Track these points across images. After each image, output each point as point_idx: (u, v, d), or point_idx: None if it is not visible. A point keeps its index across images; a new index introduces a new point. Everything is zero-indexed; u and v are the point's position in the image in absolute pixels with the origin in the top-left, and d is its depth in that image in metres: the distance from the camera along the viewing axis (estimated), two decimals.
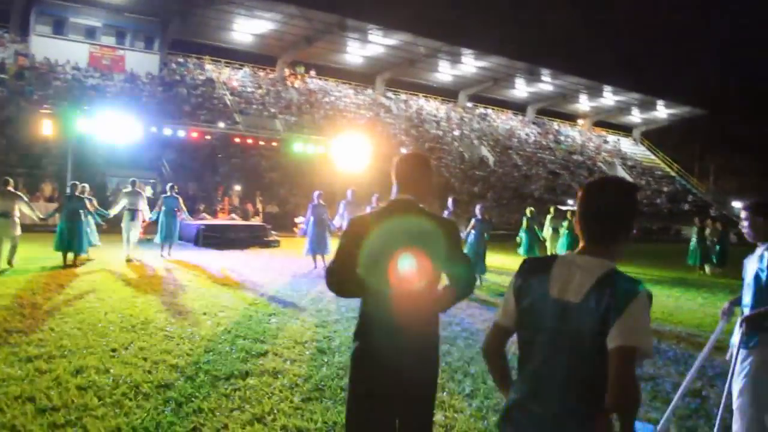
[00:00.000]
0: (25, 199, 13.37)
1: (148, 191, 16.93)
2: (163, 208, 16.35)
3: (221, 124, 33.84)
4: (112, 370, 5.89)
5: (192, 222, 20.69)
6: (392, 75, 50.52)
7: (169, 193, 16.73)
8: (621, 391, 1.97)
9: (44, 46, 37.15)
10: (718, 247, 20.43)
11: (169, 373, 5.90)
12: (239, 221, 23.63)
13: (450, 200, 13.91)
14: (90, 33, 39.21)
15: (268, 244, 20.77)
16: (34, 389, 5.28)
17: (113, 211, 15.72)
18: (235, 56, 45.55)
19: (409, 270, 2.92)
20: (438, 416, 5.04)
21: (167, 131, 25.63)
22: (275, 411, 5.05)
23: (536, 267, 2.31)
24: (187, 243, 19.80)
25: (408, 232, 2.98)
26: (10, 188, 12.73)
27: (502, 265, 17.70)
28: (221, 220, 23.34)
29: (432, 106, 53.35)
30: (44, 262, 13.51)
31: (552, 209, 20.30)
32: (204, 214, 23.85)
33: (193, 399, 5.24)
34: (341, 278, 3.07)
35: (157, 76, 40.22)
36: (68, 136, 21.62)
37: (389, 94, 51.57)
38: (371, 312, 3.03)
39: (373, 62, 48.07)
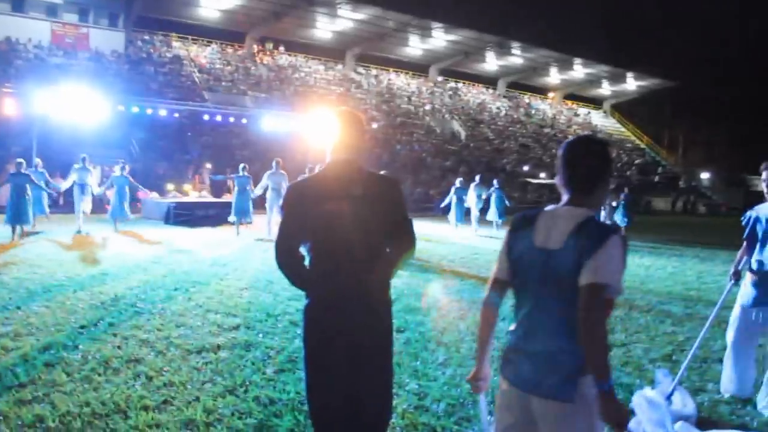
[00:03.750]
0: None
1: (116, 171, 16.97)
2: (115, 187, 16.81)
3: (190, 102, 33.43)
4: (81, 346, 5.80)
5: (162, 200, 20.49)
6: (362, 50, 50.17)
7: (118, 173, 16.94)
8: (588, 329, 2.11)
9: (3, 24, 36.14)
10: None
11: (139, 348, 5.82)
12: (210, 198, 23.41)
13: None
14: (51, 10, 38.27)
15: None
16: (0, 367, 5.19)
17: (65, 185, 16.55)
18: (202, 32, 44.93)
19: (353, 232, 2.86)
20: (412, 384, 5.04)
21: (135, 109, 25.23)
22: (248, 383, 5.01)
23: (523, 221, 2.44)
24: (157, 221, 19.63)
25: (351, 193, 2.89)
26: None
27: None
28: (191, 197, 23.10)
29: (403, 81, 53.18)
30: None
31: (477, 178, 21.96)
32: (174, 192, 23.60)
33: (163, 373, 5.18)
34: (288, 250, 2.99)
35: (122, 53, 39.51)
36: (32, 115, 21.20)
37: (360, 69, 51.26)
38: (319, 275, 2.96)
39: (343, 37, 47.68)
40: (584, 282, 2.13)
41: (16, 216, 14.06)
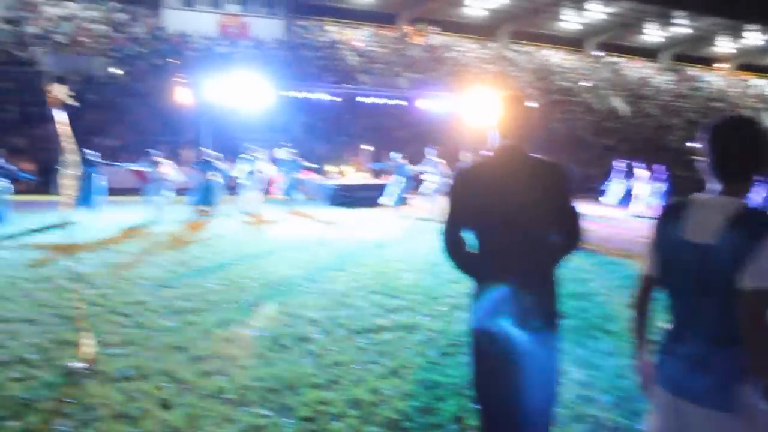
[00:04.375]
0: None
1: (281, 154, 17.89)
2: (284, 170, 17.66)
3: (346, 86, 34.16)
4: (254, 324, 6.13)
5: (324, 182, 21.16)
6: (515, 26, 49.02)
7: (286, 156, 17.96)
8: (753, 336, 1.96)
9: (175, 18, 38.79)
10: None
11: (307, 327, 6.06)
12: (370, 180, 23.85)
13: None
14: (217, 3, 40.53)
15: (399, 202, 20.89)
16: (185, 339, 5.59)
17: (236, 172, 17.15)
18: (356, 16, 45.68)
19: (519, 220, 2.80)
20: (576, 374, 4.92)
21: (295, 94, 26.09)
22: (411, 365, 5.09)
23: (672, 212, 2.29)
24: (319, 202, 20.27)
25: (517, 180, 2.82)
26: None
27: None
28: (352, 179, 23.65)
29: (558, 57, 51.59)
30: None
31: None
32: (335, 174, 24.27)
33: (330, 352, 5.36)
34: (454, 237, 2.96)
35: (281, 40, 41.05)
36: (204, 103, 22.51)
37: (513, 46, 50.27)
38: (487, 267, 2.92)
39: (495, 14, 46.82)
40: (749, 286, 1.94)
41: (205, 198, 15.35)
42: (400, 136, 32.27)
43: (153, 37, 37.64)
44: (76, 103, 5.35)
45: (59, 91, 5.08)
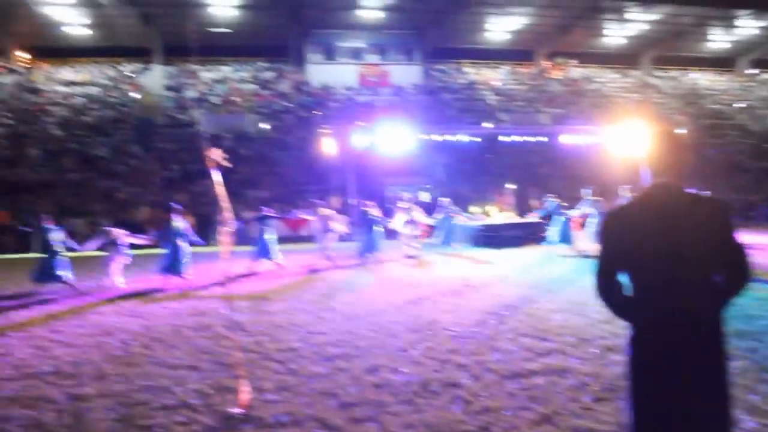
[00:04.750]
0: None
1: (425, 197, 18.41)
2: (441, 215, 18.33)
3: (487, 125, 34.13)
4: (403, 369, 6.14)
5: (468, 223, 21.13)
6: (658, 52, 47.23)
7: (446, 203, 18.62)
8: None
9: (318, 72, 40.65)
10: None
11: (456, 372, 6.00)
12: (514, 219, 23.57)
13: None
14: (356, 54, 42.13)
15: (544, 241, 20.48)
16: (335, 386, 5.68)
17: (395, 223, 17.31)
18: (492, 56, 45.79)
19: (678, 261, 2.65)
20: (749, 423, 4.56)
21: (436, 137, 26.34)
22: (564, 411, 4.91)
23: None
24: (468, 244, 20.20)
25: (674, 219, 2.70)
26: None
27: None
28: (496, 219, 23.46)
29: (706, 79, 49.12)
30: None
31: None
32: (480, 214, 24.17)
33: (480, 397, 5.27)
34: (608, 279, 2.87)
35: (420, 85, 41.80)
36: (348, 151, 23.24)
37: (657, 72, 48.43)
38: (646, 310, 2.78)
39: (636, 41, 45.39)
40: None
41: (369, 246, 15.88)
42: (543, 173, 31.83)
43: (298, 92, 39.46)
44: (229, 164, 5.72)
45: (215, 154, 5.48)
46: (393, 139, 22.90)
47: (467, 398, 5.25)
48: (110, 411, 5.21)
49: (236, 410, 5.06)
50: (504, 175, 30.72)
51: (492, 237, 19.93)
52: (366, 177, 25.87)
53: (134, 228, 15.54)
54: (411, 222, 17.10)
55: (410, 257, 16.58)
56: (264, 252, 14.85)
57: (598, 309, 8.55)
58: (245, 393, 5.20)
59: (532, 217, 21.37)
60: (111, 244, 12.73)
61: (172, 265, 12.81)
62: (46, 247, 12.56)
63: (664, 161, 2.87)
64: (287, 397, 5.42)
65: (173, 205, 13.51)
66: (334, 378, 5.94)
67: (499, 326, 7.97)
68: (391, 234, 17.61)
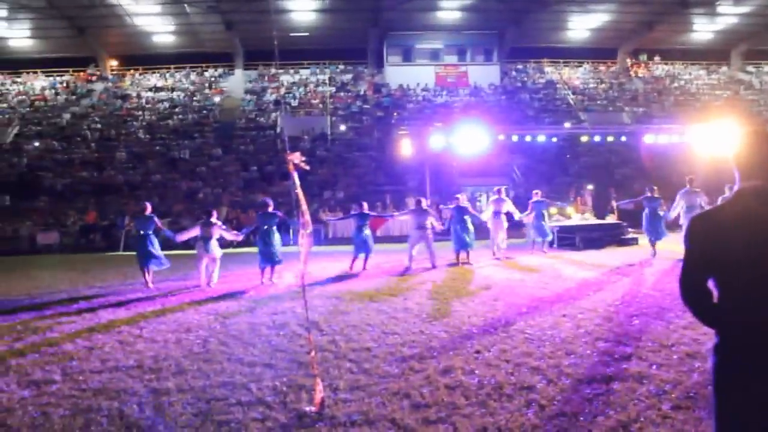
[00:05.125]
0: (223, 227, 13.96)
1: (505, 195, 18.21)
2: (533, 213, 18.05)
3: (566, 124, 33.59)
4: (476, 371, 6.10)
5: (550, 224, 20.88)
6: (750, 46, 45.30)
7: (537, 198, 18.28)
8: None
9: (396, 74, 40.89)
10: None
11: (530, 376, 5.93)
12: (593, 221, 23.12)
13: None
14: (434, 55, 42.20)
15: (624, 243, 20.01)
16: (408, 386, 5.70)
17: (485, 216, 17.26)
18: (572, 54, 45.02)
19: None
20: None
21: (514, 137, 26.10)
22: (642, 418, 4.77)
23: None
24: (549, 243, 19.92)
25: (766, 223, 2.58)
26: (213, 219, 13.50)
27: None
28: (574, 220, 23.06)
29: None
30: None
31: None
32: (557, 216, 23.80)
33: (555, 402, 5.19)
34: (695, 285, 2.76)
35: (498, 85, 41.46)
36: (424, 152, 23.28)
37: (748, 67, 46.55)
38: (734, 318, 2.66)
39: (726, 36, 43.77)
40: None
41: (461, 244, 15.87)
42: (622, 173, 31.12)
43: (375, 93, 39.75)
44: (307, 167, 5.83)
45: (295, 158, 5.59)
46: (470, 140, 22.80)
47: (541, 402, 5.17)
48: (189, 405, 5.37)
49: (310, 408, 5.14)
50: (582, 176, 30.18)
51: (570, 238, 19.62)
52: (442, 178, 25.86)
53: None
54: (498, 214, 16.99)
55: (496, 258, 16.67)
56: (364, 248, 15.14)
57: (678, 313, 8.30)
58: (319, 392, 5.27)
59: (611, 218, 20.92)
60: (202, 240, 12.93)
61: (269, 257, 13.12)
62: (142, 237, 13.13)
63: (754, 162, 2.75)
64: (360, 397, 5.46)
65: (266, 200, 13.94)
66: (407, 378, 5.96)
67: (575, 329, 7.83)
68: (483, 231, 17.67)
